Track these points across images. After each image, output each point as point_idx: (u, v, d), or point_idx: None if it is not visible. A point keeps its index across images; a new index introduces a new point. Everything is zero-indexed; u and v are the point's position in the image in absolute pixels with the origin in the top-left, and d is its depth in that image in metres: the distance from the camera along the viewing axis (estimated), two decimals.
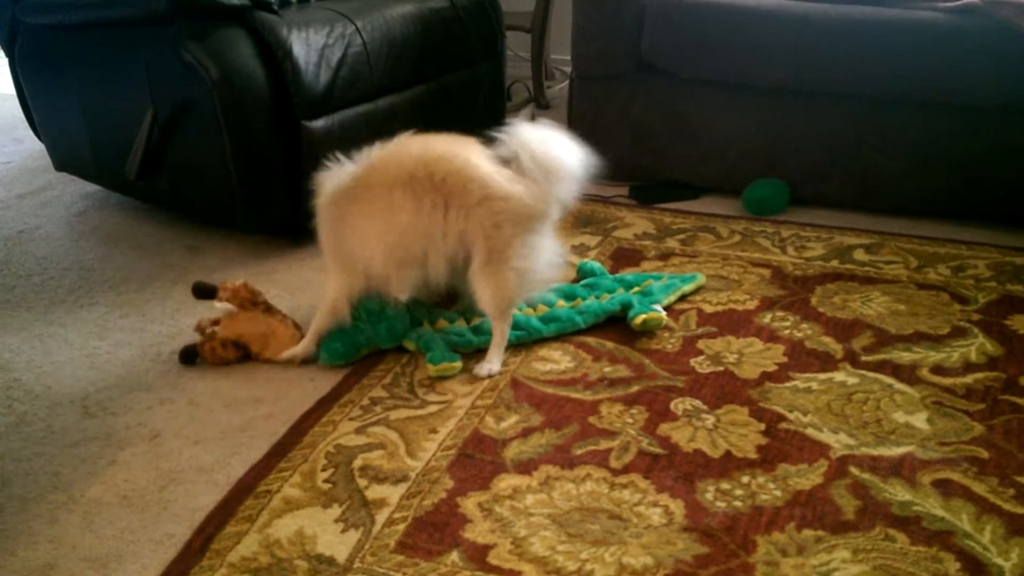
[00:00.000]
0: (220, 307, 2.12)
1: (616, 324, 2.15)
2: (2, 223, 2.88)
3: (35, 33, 2.77)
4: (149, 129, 2.52)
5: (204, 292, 2.16)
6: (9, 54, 2.90)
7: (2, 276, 2.54)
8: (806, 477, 1.65)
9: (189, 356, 2.09)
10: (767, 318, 2.18)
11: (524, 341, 2.09)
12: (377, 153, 1.99)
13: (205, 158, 2.50)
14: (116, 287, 2.46)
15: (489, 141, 1.98)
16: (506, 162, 1.95)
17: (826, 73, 2.66)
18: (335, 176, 2.01)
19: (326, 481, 1.68)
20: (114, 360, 2.13)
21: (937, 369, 1.96)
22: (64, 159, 2.98)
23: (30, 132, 3.12)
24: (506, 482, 1.66)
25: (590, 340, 2.10)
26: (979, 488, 1.61)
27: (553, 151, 1.94)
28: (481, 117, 2.98)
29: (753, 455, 1.71)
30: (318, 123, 2.49)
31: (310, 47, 2.45)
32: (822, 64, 2.64)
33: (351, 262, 2.01)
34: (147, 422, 1.90)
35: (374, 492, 1.65)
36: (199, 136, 2.48)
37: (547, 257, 2.02)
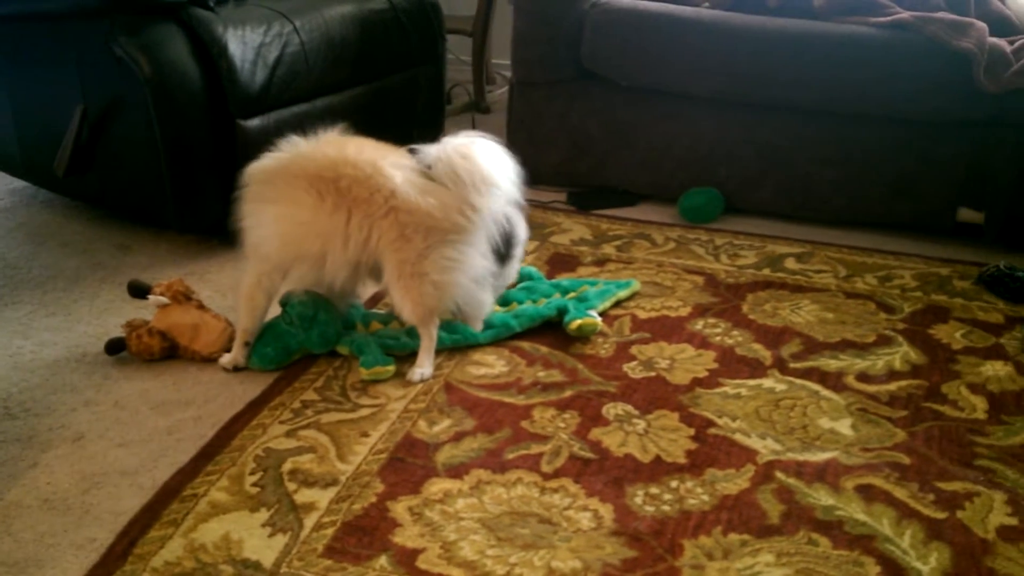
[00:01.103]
0: (153, 300, 2.09)
1: (551, 329, 2.16)
2: None
3: None
4: (79, 125, 2.46)
5: (139, 291, 2.13)
6: None
7: None
8: (733, 482, 1.67)
9: (115, 347, 2.06)
10: (699, 325, 2.21)
11: (459, 345, 2.08)
12: (300, 146, 1.98)
13: (137, 156, 2.46)
14: (42, 286, 2.41)
15: (413, 150, 1.97)
16: (427, 171, 1.93)
17: (762, 84, 2.70)
18: (261, 164, 2.00)
19: (254, 485, 1.66)
20: (38, 360, 2.08)
21: (862, 376, 2.01)
22: None
23: None
24: (437, 486, 1.66)
25: (525, 344, 2.11)
26: (900, 493, 1.65)
27: (473, 161, 1.89)
28: (420, 120, 2.98)
29: (682, 460, 1.73)
30: (253, 122, 2.46)
31: (246, 45, 2.42)
32: (758, 75, 2.69)
33: (260, 249, 1.99)
34: (71, 424, 1.86)
35: (303, 496, 1.63)
36: (131, 133, 2.43)
37: (474, 273, 1.98)
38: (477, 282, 2.01)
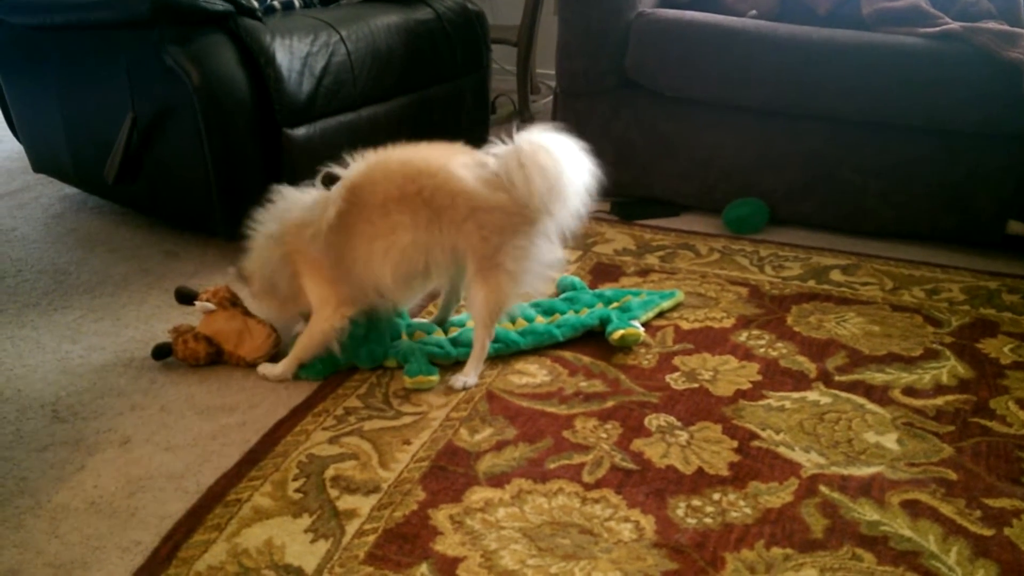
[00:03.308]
0: (199, 306, 2.12)
1: (593, 339, 2.16)
2: None
3: (15, 33, 2.76)
4: (128, 133, 2.50)
5: (186, 297, 2.16)
6: None
7: None
8: (776, 495, 1.65)
9: (161, 353, 2.09)
10: (743, 336, 2.19)
11: (502, 354, 2.09)
12: (357, 172, 1.96)
13: (185, 164, 2.49)
14: (91, 291, 2.45)
15: (479, 145, 1.96)
16: (492, 166, 1.92)
17: (808, 95, 2.68)
18: (311, 203, 1.99)
19: (297, 491, 1.67)
20: (86, 365, 2.11)
21: (909, 390, 1.98)
22: (42, 161, 2.96)
23: (9, 132, 3.10)
24: (478, 495, 1.66)
25: (567, 354, 2.11)
26: (946, 509, 1.62)
27: (544, 155, 1.87)
28: (465, 130, 2.99)
29: (725, 472, 1.72)
30: (299, 131, 2.48)
31: (293, 55, 2.45)
32: (804, 86, 2.67)
33: (356, 287, 1.99)
34: (117, 428, 1.88)
35: (345, 503, 1.64)
36: (179, 141, 2.46)
37: (544, 259, 1.99)
38: (549, 269, 2.02)
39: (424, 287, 2.12)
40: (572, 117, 2.96)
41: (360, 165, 1.97)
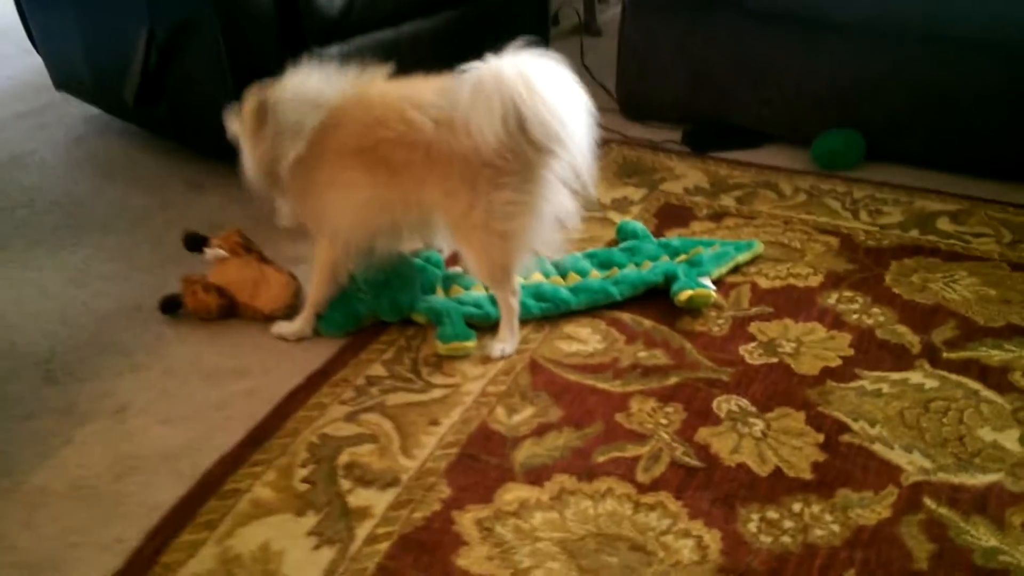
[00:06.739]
0: (210, 253, 1.91)
1: (657, 298, 1.87)
2: None
3: None
4: (145, 51, 2.25)
5: (195, 243, 1.94)
6: None
7: None
8: (871, 508, 1.37)
9: (170, 305, 1.88)
10: (832, 298, 1.88)
11: (550, 314, 1.82)
12: (323, 102, 1.66)
13: (207, 85, 2.23)
14: (105, 227, 2.23)
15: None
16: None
17: (915, 9, 2.30)
18: (291, 120, 1.67)
19: (304, 480, 1.45)
20: (90, 314, 1.90)
21: None
22: (62, 78, 2.73)
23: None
24: (512, 493, 1.41)
25: (625, 316, 1.83)
26: None
27: (532, 108, 1.50)
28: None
29: (808, 475, 1.44)
30: (332, 50, 2.20)
31: None
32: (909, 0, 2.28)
33: (328, 224, 1.74)
34: (114, 392, 1.68)
35: (357, 498, 1.41)
36: (200, 60, 2.20)
37: (548, 214, 1.65)
38: (559, 220, 1.68)
39: (394, 245, 1.81)
40: (642, 34, 2.65)
41: (332, 98, 1.66)
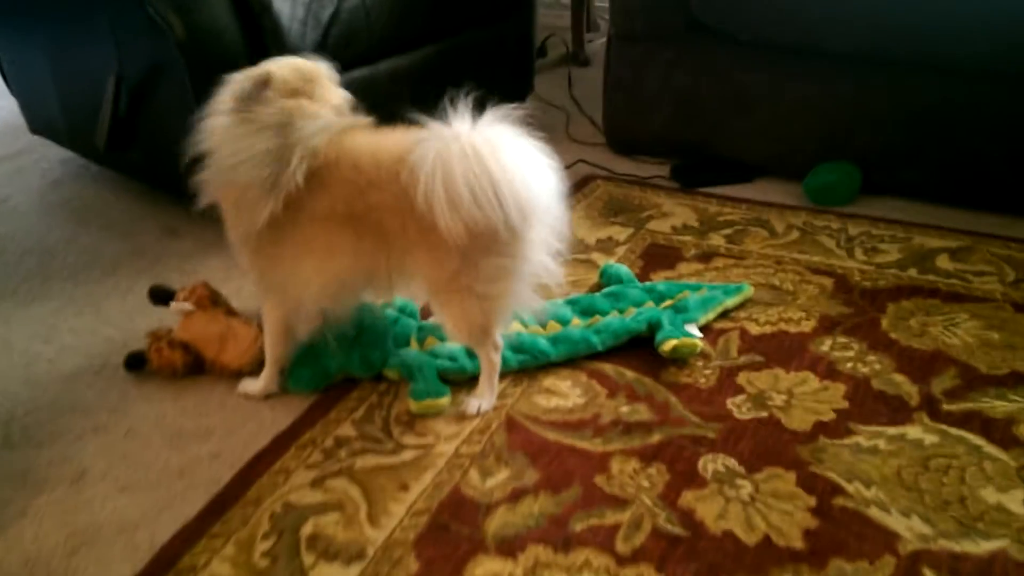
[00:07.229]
0: (175, 307, 1.83)
1: (640, 346, 1.79)
2: None
3: None
4: (114, 95, 2.19)
5: (161, 297, 1.86)
6: None
7: None
8: None
9: (136, 362, 1.81)
10: (826, 345, 1.80)
11: (528, 367, 1.74)
12: (311, 164, 1.52)
13: (177, 129, 2.14)
14: (75, 276, 2.17)
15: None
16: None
17: (911, 38, 2.21)
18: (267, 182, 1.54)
19: (265, 555, 1.37)
20: (54, 372, 1.83)
21: None
22: (37, 123, 2.68)
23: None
24: (483, 567, 1.33)
25: (607, 367, 1.75)
26: None
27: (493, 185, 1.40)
28: (504, 83, 2.60)
29: (799, 543, 1.35)
30: None
31: (295, 2, 2.09)
32: (911, 27, 2.20)
33: (282, 291, 1.65)
34: (74, 457, 1.60)
35: (320, 574, 1.33)
36: (170, 104, 2.14)
37: (531, 277, 1.58)
38: (536, 281, 1.60)
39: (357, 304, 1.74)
40: (627, 65, 2.58)
41: (314, 152, 1.53)
